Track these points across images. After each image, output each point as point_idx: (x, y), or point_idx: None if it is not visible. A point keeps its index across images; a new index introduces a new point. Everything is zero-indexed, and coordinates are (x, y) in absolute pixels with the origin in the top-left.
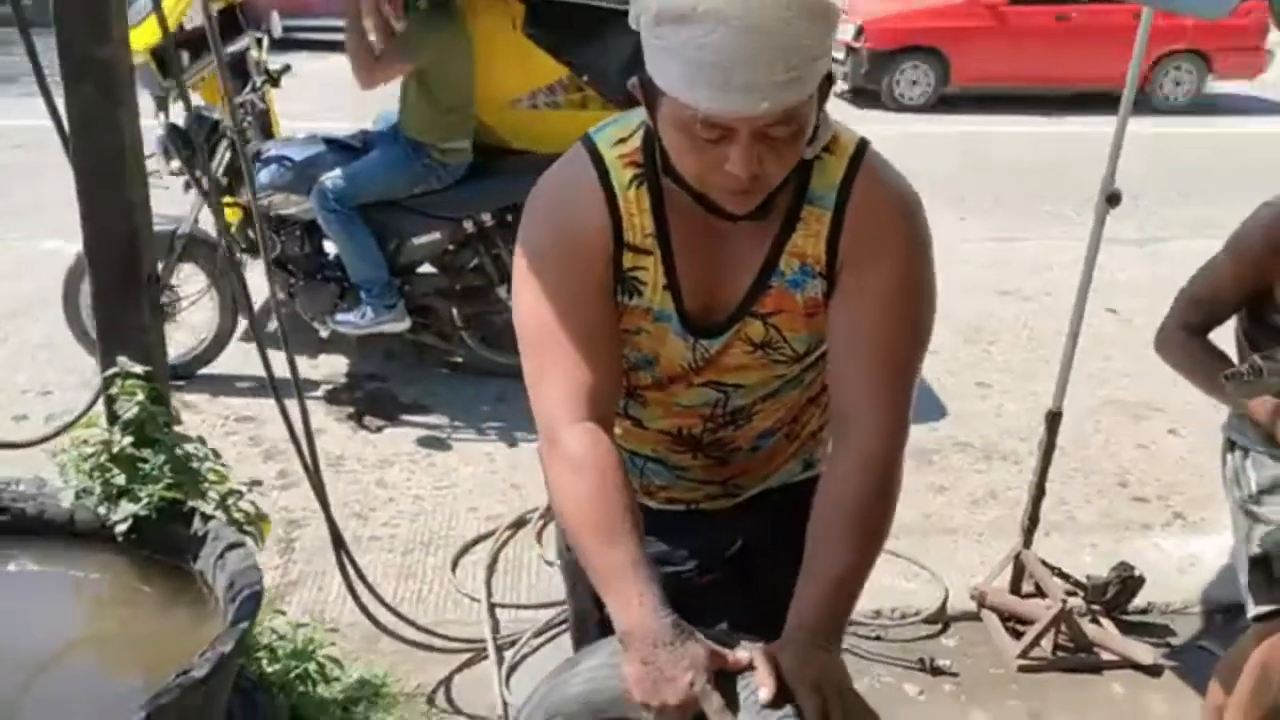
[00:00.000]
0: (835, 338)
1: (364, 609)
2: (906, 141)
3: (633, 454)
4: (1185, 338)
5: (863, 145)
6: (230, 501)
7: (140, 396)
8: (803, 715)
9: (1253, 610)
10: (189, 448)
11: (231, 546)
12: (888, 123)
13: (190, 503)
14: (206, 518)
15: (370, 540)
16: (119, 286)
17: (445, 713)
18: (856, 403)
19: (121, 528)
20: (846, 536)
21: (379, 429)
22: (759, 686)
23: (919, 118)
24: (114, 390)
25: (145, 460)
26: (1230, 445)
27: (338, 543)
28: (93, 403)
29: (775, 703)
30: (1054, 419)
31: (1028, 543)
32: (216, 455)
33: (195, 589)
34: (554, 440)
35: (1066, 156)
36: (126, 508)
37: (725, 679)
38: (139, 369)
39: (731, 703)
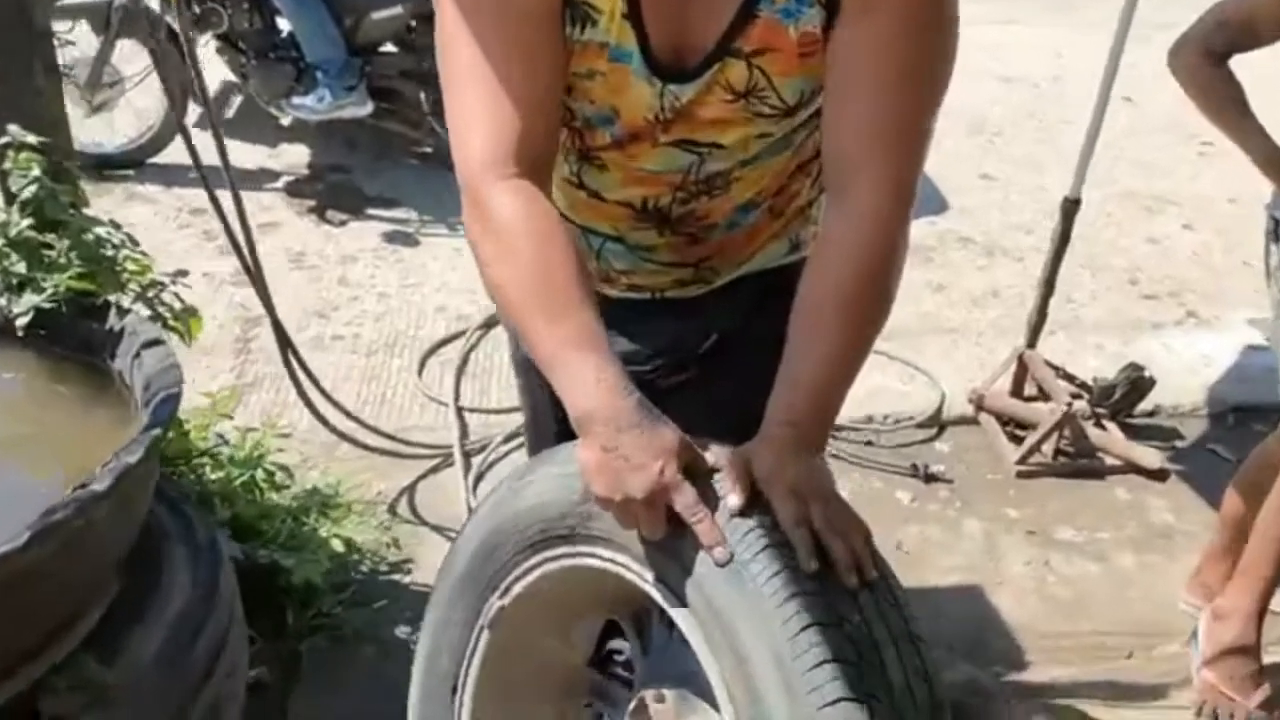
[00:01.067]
0: (834, 78)
1: (317, 414)
2: None
3: (588, 231)
4: (1210, 70)
5: None
6: (153, 294)
7: (37, 172)
8: (778, 524)
9: None
10: (100, 232)
11: (149, 344)
12: None
13: (106, 295)
14: (123, 312)
15: (333, 340)
16: (4, 42)
17: (408, 522)
18: (855, 157)
19: (23, 321)
20: (837, 318)
21: (342, 223)
22: (727, 492)
23: None
24: (7, 165)
25: (49, 246)
26: (1276, 227)
27: (284, 343)
28: None
29: (745, 510)
30: (1071, 207)
31: (1032, 342)
32: (134, 242)
33: (115, 390)
34: (479, 202)
35: None
36: (28, 299)
37: (698, 480)
38: (34, 139)
39: (709, 499)
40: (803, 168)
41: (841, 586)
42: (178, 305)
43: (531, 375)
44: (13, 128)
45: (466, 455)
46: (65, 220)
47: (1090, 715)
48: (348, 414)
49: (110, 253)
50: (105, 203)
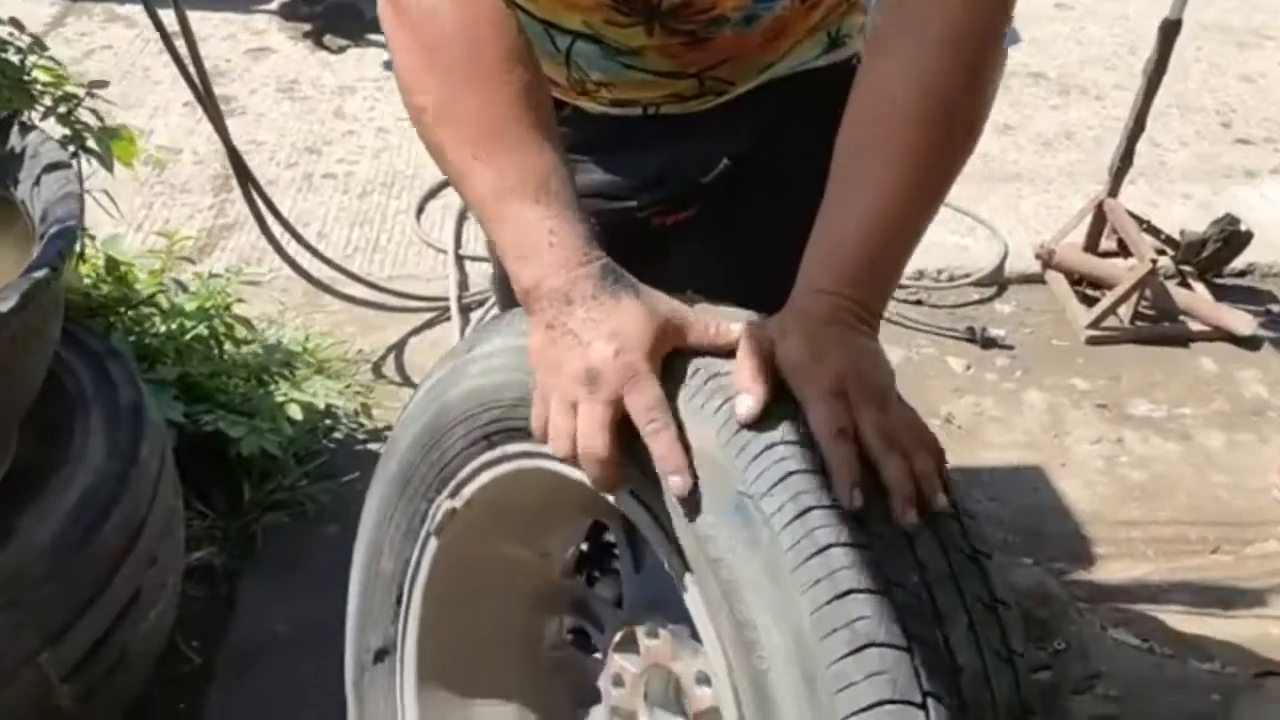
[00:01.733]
0: None
1: (286, 257)
2: None
3: (551, 28)
4: None
5: None
6: (68, 109)
7: None
8: (809, 438)
9: None
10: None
11: (50, 168)
12: None
13: (8, 111)
14: (27, 129)
15: (323, 179)
16: None
17: (394, 383)
18: None
19: None
20: (902, 144)
21: (340, 50)
22: (738, 390)
23: None
24: None
25: None
26: None
27: (241, 174)
28: None
29: (763, 418)
30: (1171, 29)
31: (1114, 189)
32: (42, 47)
33: (21, 221)
34: None
35: None
36: None
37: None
38: None
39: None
40: None
41: (895, 533)
42: (97, 123)
43: None
44: None
45: (465, 309)
46: None
47: (1172, 627)
48: (318, 255)
49: (14, 58)
50: (84, 24)
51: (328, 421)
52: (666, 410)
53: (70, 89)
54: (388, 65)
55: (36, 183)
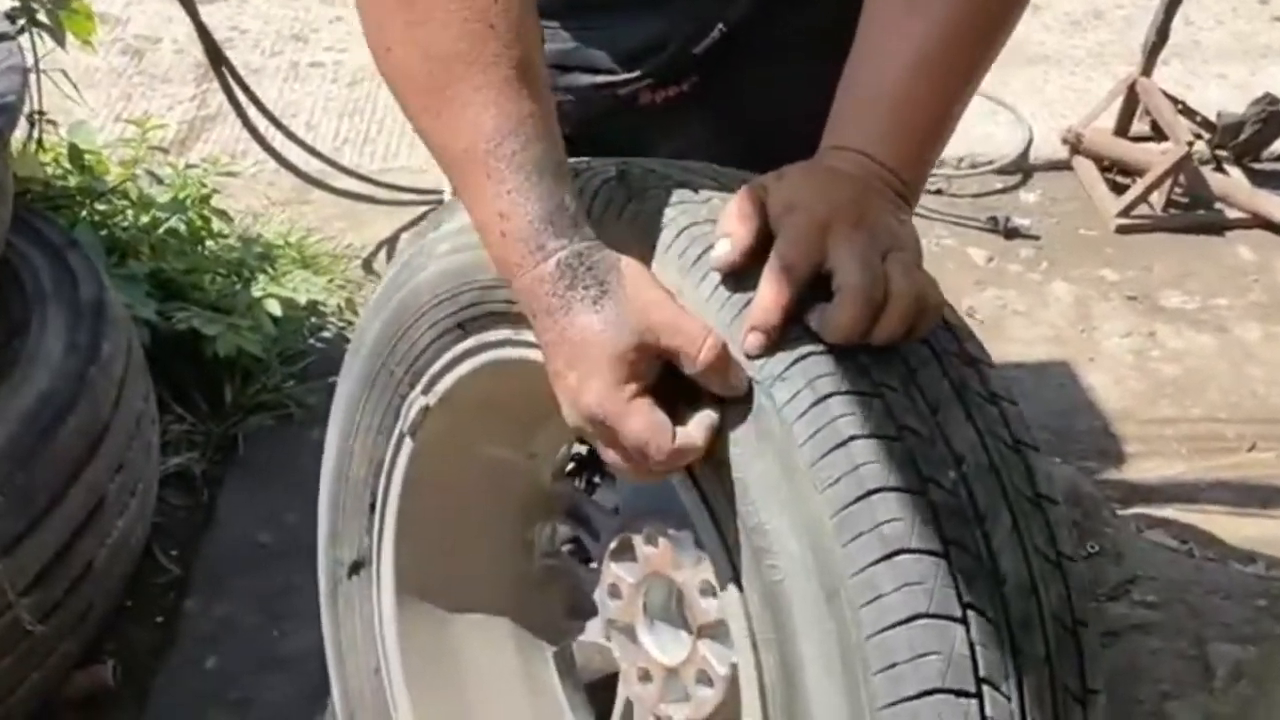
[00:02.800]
0: None
1: (264, 143)
2: None
3: None
4: None
5: None
6: None
7: None
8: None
9: None
10: None
11: None
12: None
13: None
14: None
15: (310, 68)
16: None
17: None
18: None
19: None
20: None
21: None
22: (722, 231)
23: None
24: None
25: None
26: None
27: (216, 59)
28: None
29: (735, 276)
30: None
31: (1147, 69)
32: None
33: None
34: None
35: None
36: None
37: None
38: None
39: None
40: None
41: (928, 422)
42: None
43: None
44: None
45: None
46: None
47: (1211, 527)
48: (313, 152)
49: None
50: None
51: (313, 320)
52: (654, 431)
53: None
54: None
55: None
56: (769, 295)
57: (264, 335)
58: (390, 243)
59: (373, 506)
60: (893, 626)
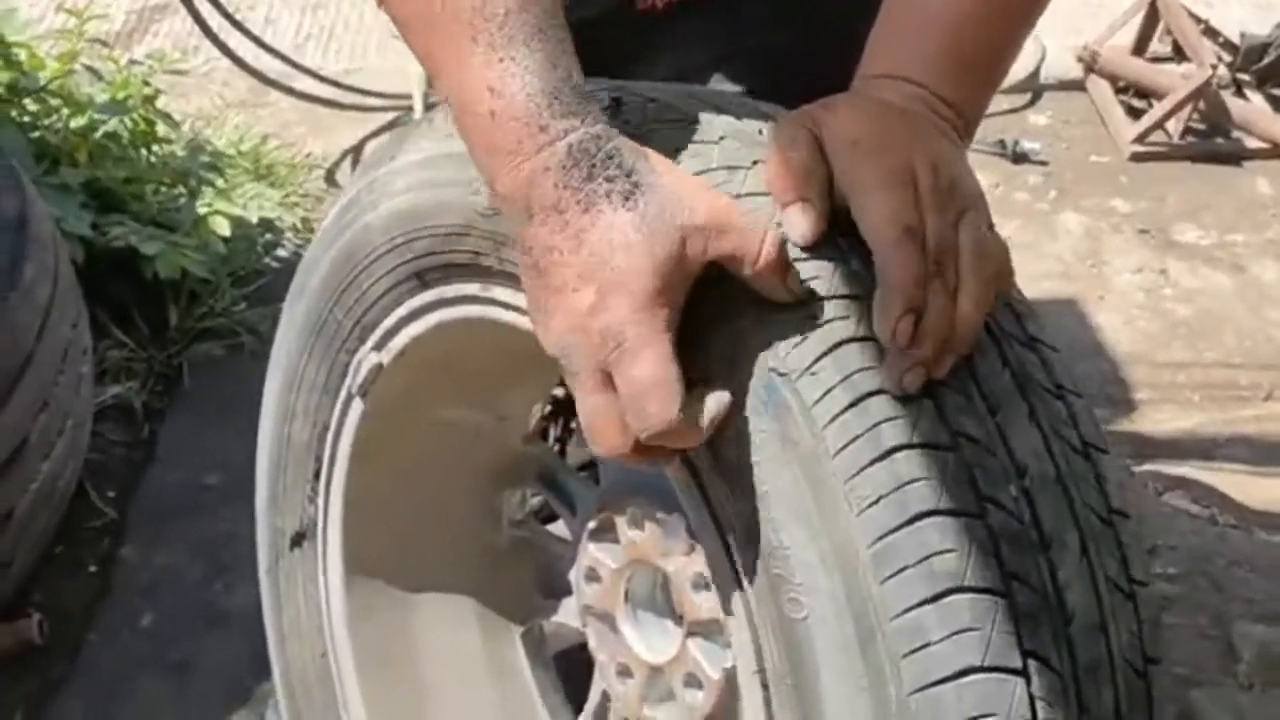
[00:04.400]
0: None
1: (219, 43)
2: None
3: None
4: None
5: None
6: None
7: None
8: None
9: None
10: None
11: None
12: None
13: None
14: None
15: None
16: None
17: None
18: None
19: None
20: None
21: None
22: (786, 201)
23: None
24: None
25: None
26: None
27: None
28: None
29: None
30: None
31: None
32: None
33: None
34: None
35: None
36: None
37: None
38: None
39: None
40: None
41: (987, 426)
42: None
43: None
44: None
45: (430, 108)
46: None
47: (1229, 490)
48: (271, 50)
49: None
50: None
51: (268, 237)
52: (654, 401)
53: None
54: None
55: None
56: (903, 272)
57: (211, 254)
58: (355, 152)
59: (317, 473)
60: (939, 683)
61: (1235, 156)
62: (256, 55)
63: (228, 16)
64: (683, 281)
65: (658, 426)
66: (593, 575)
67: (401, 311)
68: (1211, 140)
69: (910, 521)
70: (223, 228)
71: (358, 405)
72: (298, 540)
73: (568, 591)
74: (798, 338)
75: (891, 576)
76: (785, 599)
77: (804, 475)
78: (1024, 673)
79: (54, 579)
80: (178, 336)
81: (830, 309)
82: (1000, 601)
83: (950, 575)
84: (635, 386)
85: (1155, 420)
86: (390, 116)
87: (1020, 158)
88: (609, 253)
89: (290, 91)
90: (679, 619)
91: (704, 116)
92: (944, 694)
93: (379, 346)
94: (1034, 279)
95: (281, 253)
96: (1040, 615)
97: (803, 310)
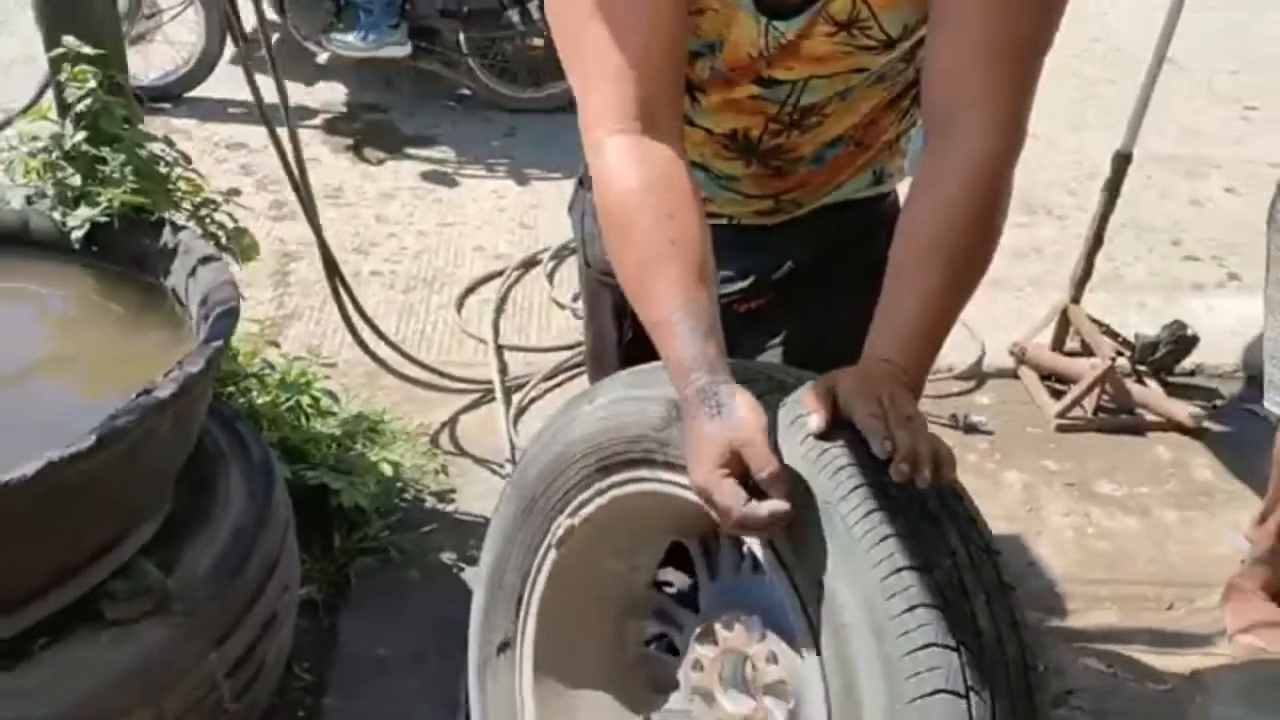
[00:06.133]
0: (942, 8)
1: (361, 342)
2: None
3: None
4: None
5: None
6: (205, 213)
7: (92, 84)
8: (866, 458)
9: None
10: (154, 148)
11: (205, 260)
12: None
13: (159, 213)
14: (177, 229)
15: (370, 276)
16: None
17: (450, 454)
18: (965, 92)
19: (78, 234)
20: (944, 261)
21: (379, 162)
22: (808, 412)
23: None
24: (62, 77)
25: (104, 161)
26: None
27: (331, 269)
28: (41, 91)
29: (826, 434)
30: (1122, 162)
31: (1076, 297)
32: (187, 160)
33: (168, 307)
34: (597, 152)
35: None
36: (84, 212)
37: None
38: (90, 50)
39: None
40: (893, 103)
41: (934, 530)
42: (230, 224)
43: (600, 305)
44: (69, 39)
45: (507, 391)
46: (120, 135)
47: (1133, 659)
48: (390, 343)
49: (164, 170)
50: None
51: (399, 483)
52: (738, 501)
53: (208, 196)
54: (424, 176)
55: (192, 274)
56: (876, 427)
57: (369, 492)
58: (451, 423)
59: (519, 601)
60: (915, 651)
61: (1139, 429)
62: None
63: (369, 322)
64: (733, 460)
65: (738, 521)
66: (698, 665)
67: (590, 491)
68: (1120, 416)
69: (896, 572)
70: (387, 470)
71: (553, 555)
72: (502, 648)
73: (673, 689)
74: (836, 482)
75: (889, 598)
76: (835, 615)
77: (841, 551)
78: (958, 650)
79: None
80: (342, 554)
81: (851, 471)
82: (942, 614)
83: (917, 598)
84: (720, 504)
85: (1080, 620)
86: (473, 397)
87: (970, 429)
88: (699, 440)
89: (400, 376)
90: (753, 687)
91: (778, 377)
92: (926, 704)
93: (572, 514)
94: (986, 520)
95: (406, 495)
96: (964, 627)
97: (839, 472)
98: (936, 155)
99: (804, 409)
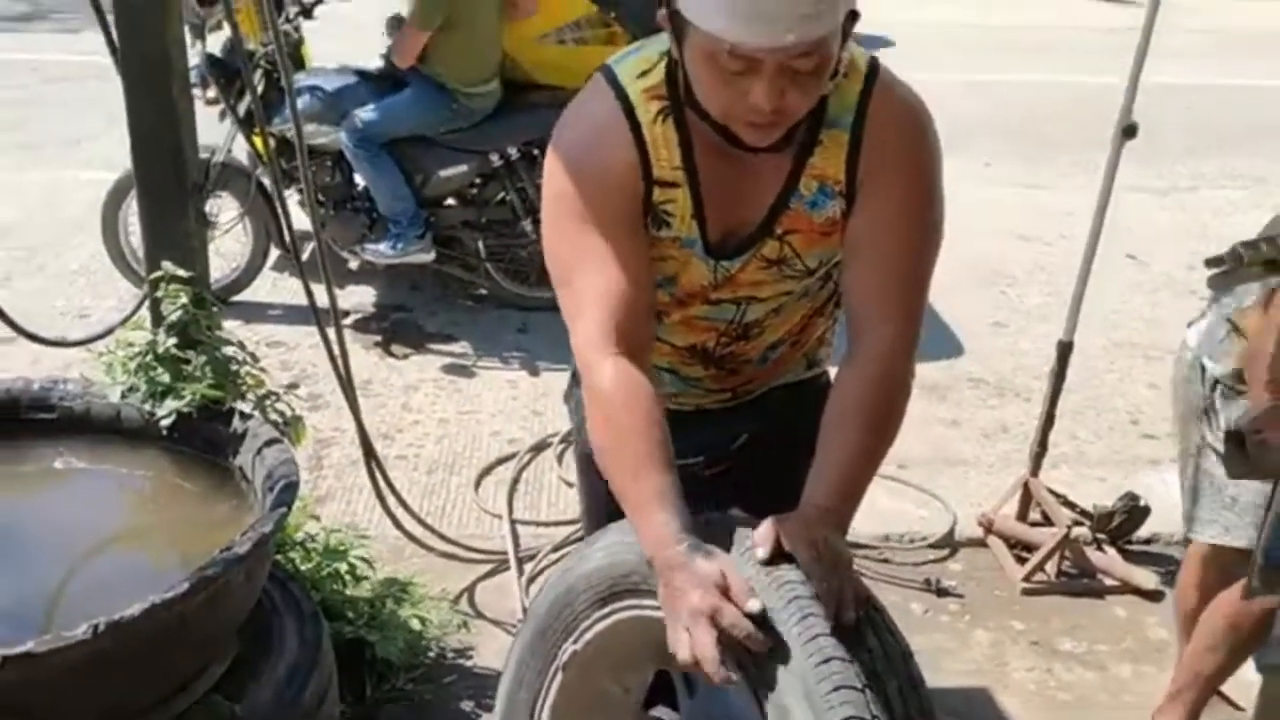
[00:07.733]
0: (853, 248)
1: (393, 517)
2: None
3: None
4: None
5: (874, 65)
6: (268, 403)
7: (184, 300)
8: (801, 579)
9: None
10: (229, 350)
11: (269, 443)
12: None
13: (230, 403)
14: (245, 416)
15: (396, 459)
16: (165, 193)
17: (469, 615)
18: (871, 311)
19: (165, 423)
20: (859, 424)
21: (405, 356)
22: (757, 545)
23: None
24: (159, 294)
25: (188, 361)
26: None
27: (368, 452)
28: (139, 306)
29: (772, 561)
30: (1065, 349)
31: (1035, 470)
32: (255, 359)
33: (234, 484)
34: (588, 370)
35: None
36: (170, 404)
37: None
38: (183, 273)
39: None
40: (819, 311)
41: (856, 636)
42: (288, 413)
43: (592, 473)
44: (166, 264)
45: (520, 561)
46: (203, 340)
47: None
48: (419, 520)
49: (236, 367)
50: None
51: (424, 641)
52: (739, 620)
53: (270, 389)
54: (445, 369)
55: (258, 453)
56: (816, 569)
57: (397, 647)
58: (470, 590)
59: (531, 714)
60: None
61: (1098, 592)
62: (398, 525)
63: (400, 500)
64: (705, 597)
65: (706, 663)
66: None
67: (591, 619)
68: (1080, 580)
69: (824, 662)
70: (417, 625)
71: (559, 677)
72: None
73: None
74: (787, 614)
75: (820, 681)
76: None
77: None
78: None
79: None
80: (372, 702)
81: (803, 603)
82: (862, 695)
83: (843, 681)
84: (727, 617)
85: None
86: (489, 567)
87: (943, 592)
88: (680, 591)
89: (423, 546)
90: None
91: (735, 525)
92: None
93: (576, 641)
94: (956, 676)
95: (431, 653)
96: (879, 702)
97: (789, 604)
98: (855, 348)
99: (753, 543)
